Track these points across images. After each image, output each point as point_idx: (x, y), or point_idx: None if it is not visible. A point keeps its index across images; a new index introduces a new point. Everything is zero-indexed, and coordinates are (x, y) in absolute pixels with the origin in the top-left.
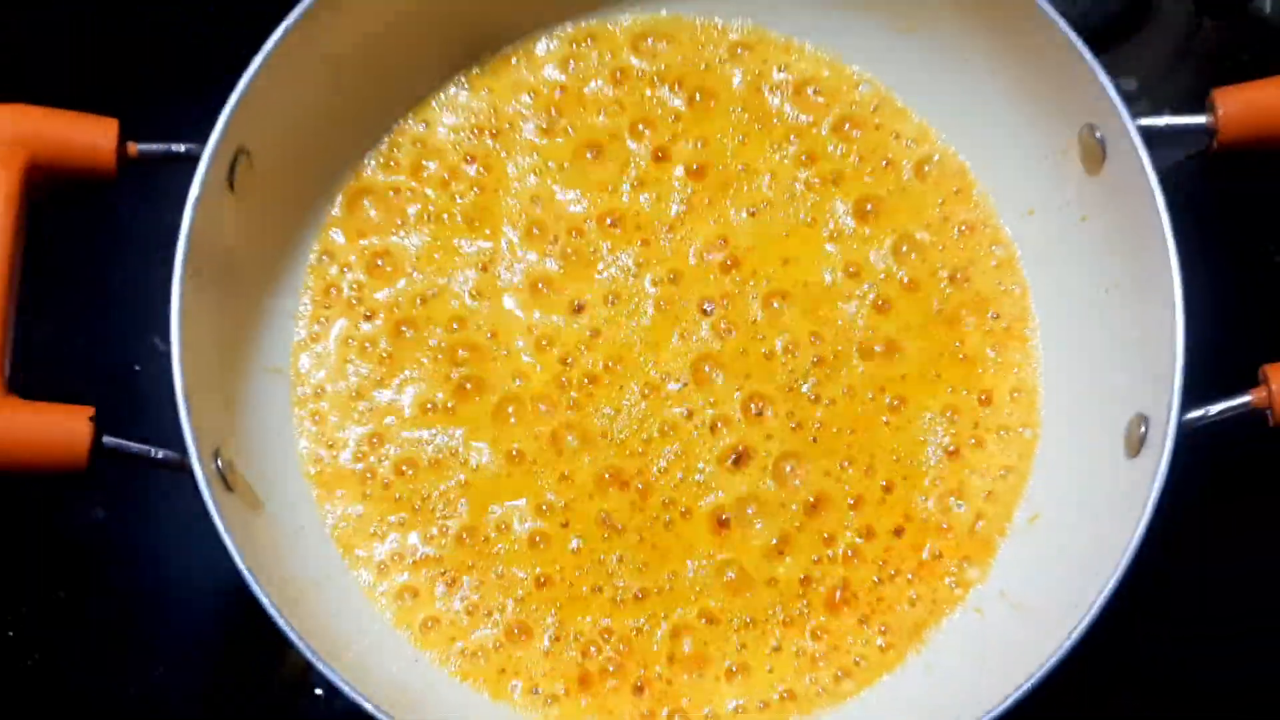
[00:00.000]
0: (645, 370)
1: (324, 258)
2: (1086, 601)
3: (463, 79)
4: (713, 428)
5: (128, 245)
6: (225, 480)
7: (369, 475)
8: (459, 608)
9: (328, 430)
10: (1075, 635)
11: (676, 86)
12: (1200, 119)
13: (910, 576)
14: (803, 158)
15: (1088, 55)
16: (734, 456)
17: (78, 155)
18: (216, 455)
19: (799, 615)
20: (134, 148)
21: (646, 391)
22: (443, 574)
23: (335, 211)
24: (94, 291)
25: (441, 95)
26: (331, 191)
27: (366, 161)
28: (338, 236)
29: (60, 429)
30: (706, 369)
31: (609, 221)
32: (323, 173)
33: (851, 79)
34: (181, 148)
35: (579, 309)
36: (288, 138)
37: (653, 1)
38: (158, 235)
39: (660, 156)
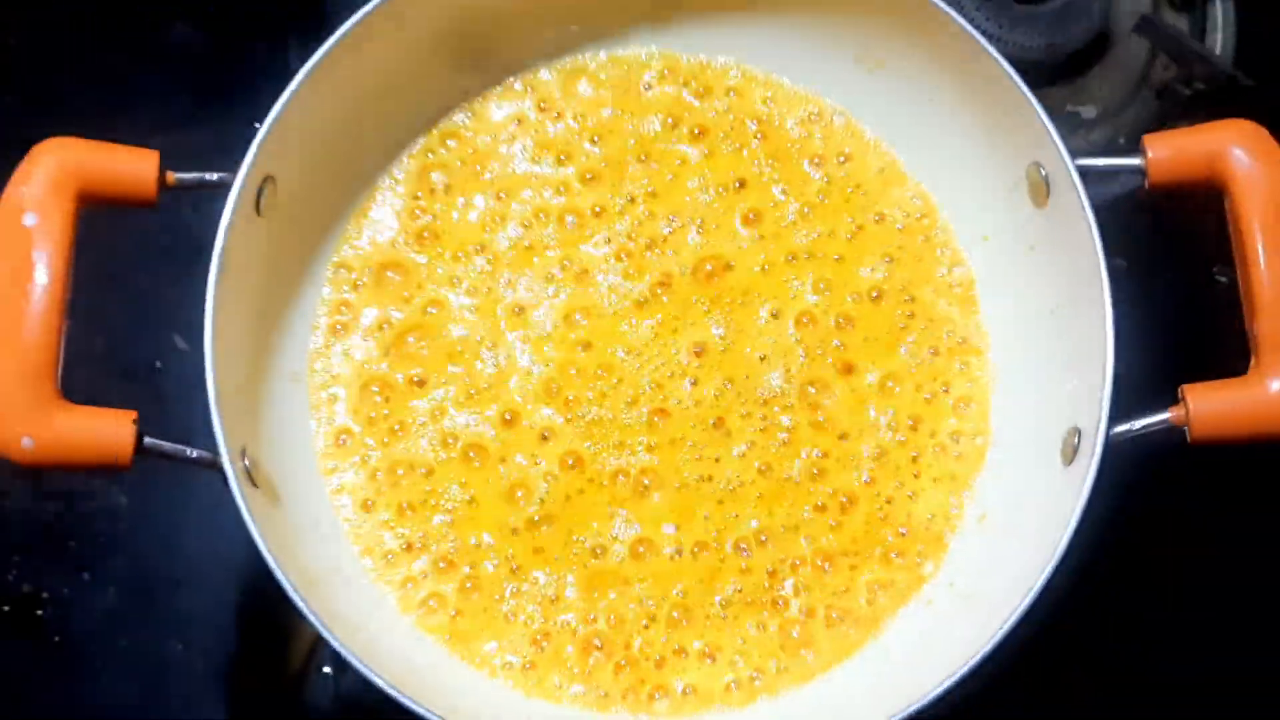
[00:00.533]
0: (634, 376)
1: (340, 271)
2: (1020, 597)
3: (468, 107)
4: (692, 431)
5: (150, 247)
6: (251, 477)
7: (378, 473)
8: (458, 594)
9: (341, 432)
10: (1008, 626)
11: (668, 118)
12: (1134, 160)
13: (871, 570)
14: (781, 183)
15: (1033, 99)
16: (710, 457)
17: (122, 185)
18: (243, 454)
19: (768, 604)
20: (172, 177)
21: (633, 398)
22: (443, 564)
23: (350, 228)
24: (117, 291)
25: (448, 122)
26: (347, 210)
27: (379, 183)
28: (352, 251)
29: (108, 431)
30: (687, 379)
31: (602, 239)
32: (339, 194)
33: (826, 111)
34: (214, 176)
35: (574, 321)
36: (308, 164)
37: (645, 40)
38: (178, 239)
39: (651, 181)
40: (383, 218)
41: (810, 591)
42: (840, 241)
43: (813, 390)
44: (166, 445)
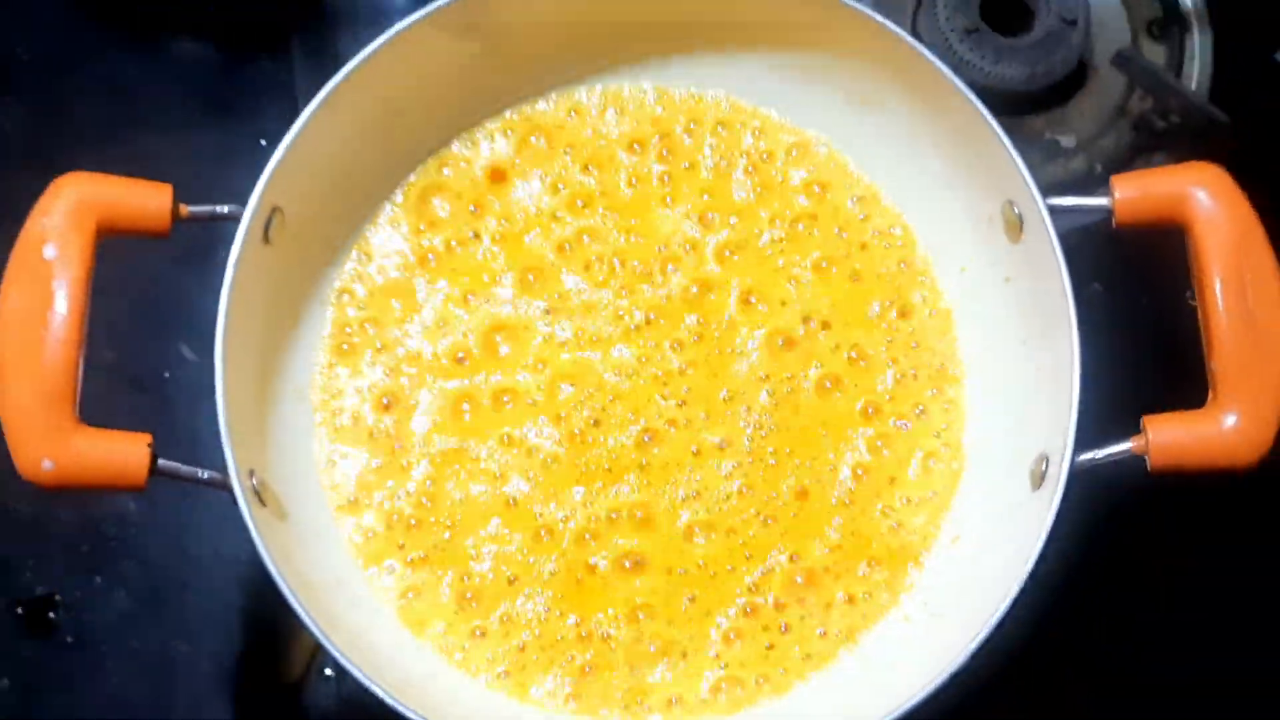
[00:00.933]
0: (627, 399)
1: (344, 296)
2: (990, 614)
3: (467, 137)
4: (679, 452)
5: (158, 258)
6: (259, 496)
7: (379, 489)
8: (456, 607)
9: (345, 449)
10: (975, 644)
11: (662, 149)
12: (1102, 200)
13: (850, 586)
14: (767, 213)
15: (1006, 140)
16: (697, 477)
17: (138, 218)
18: (252, 474)
19: (751, 618)
20: (185, 209)
21: (626, 420)
22: (442, 578)
23: (353, 253)
24: (127, 301)
25: (447, 151)
26: (351, 235)
27: (381, 209)
28: (355, 275)
29: (124, 454)
30: (674, 402)
31: (595, 262)
32: (343, 219)
33: (812, 143)
34: (225, 209)
35: (568, 344)
36: (313, 193)
37: (639, 74)
38: (187, 250)
39: (644, 210)
40: (385, 243)
41: (792, 606)
42: (822, 270)
43: (794, 418)
44: (180, 467)
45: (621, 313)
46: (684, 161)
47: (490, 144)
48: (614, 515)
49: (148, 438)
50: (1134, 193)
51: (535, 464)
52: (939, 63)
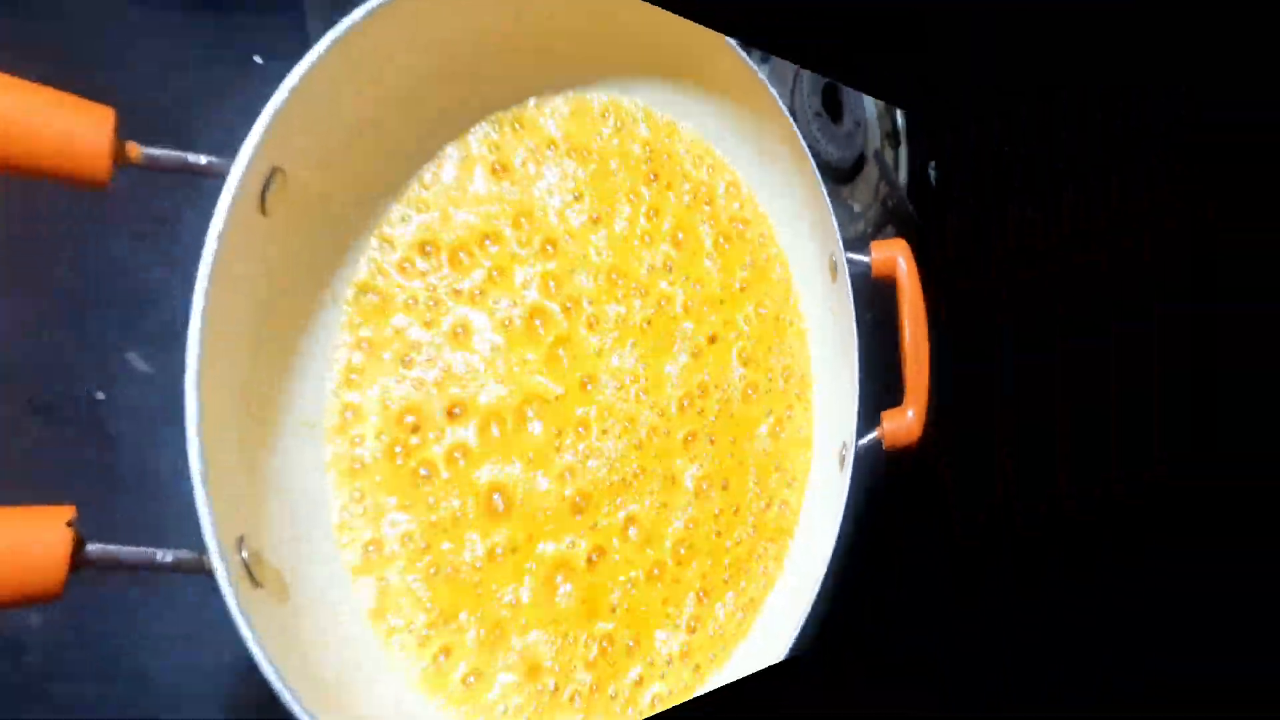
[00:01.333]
0: (622, 409)
1: (365, 295)
2: (814, 581)
3: (496, 119)
4: (655, 459)
5: (96, 223)
6: (251, 574)
7: (408, 540)
8: (466, 669)
9: (362, 492)
10: (804, 611)
11: (650, 173)
12: (866, 258)
13: (759, 560)
14: (709, 239)
15: (829, 206)
16: (653, 484)
17: (56, 153)
18: (241, 544)
19: (704, 605)
20: (136, 150)
21: (624, 431)
22: (468, 629)
23: (373, 252)
24: (60, 290)
25: (474, 133)
26: (371, 219)
27: (408, 185)
28: (375, 278)
29: (30, 545)
30: (659, 411)
31: (589, 271)
32: (363, 199)
33: (740, 183)
34: (202, 160)
35: (559, 353)
36: (327, 157)
37: (633, 92)
38: (137, 212)
39: (618, 220)
40: (407, 243)
41: (732, 586)
42: (742, 291)
43: (717, 408)
44: (122, 551)
45: (626, 320)
46: (666, 181)
47: (503, 137)
48: (630, 529)
49: (68, 512)
50: (879, 255)
51: (569, 486)
52: (799, 134)
